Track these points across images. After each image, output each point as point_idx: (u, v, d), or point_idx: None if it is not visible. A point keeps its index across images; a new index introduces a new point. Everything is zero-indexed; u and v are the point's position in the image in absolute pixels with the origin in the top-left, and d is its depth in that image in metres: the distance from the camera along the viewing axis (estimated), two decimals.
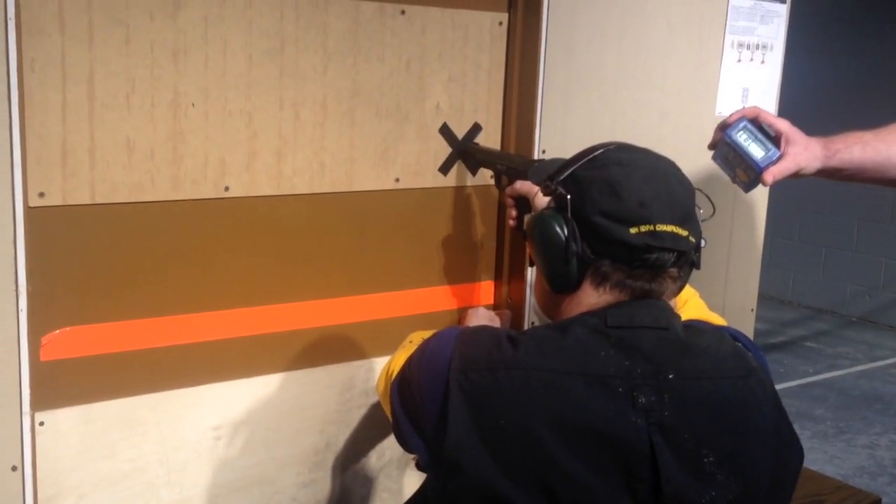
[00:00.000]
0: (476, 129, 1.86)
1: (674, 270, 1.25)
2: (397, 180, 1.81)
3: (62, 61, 1.43)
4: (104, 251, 1.53)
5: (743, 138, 1.59)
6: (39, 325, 1.48)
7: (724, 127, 1.61)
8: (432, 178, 1.85)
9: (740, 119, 1.60)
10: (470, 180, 1.89)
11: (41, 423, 1.50)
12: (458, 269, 1.92)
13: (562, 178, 1.28)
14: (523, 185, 1.55)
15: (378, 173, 1.78)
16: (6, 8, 1.36)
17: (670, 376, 1.20)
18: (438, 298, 1.91)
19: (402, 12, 1.74)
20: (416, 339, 1.45)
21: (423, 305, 1.89)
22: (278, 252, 1.70)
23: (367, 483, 1.90)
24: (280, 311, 1.73)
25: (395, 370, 1.38)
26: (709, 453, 1.19)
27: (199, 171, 1.58)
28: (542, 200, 1.33)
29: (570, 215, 1.24)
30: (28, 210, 1.44)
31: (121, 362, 1.57)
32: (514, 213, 1.61)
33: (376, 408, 1.86)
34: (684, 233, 1.23)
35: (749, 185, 1.61)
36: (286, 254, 1.71)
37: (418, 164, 1.83)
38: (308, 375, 1.78)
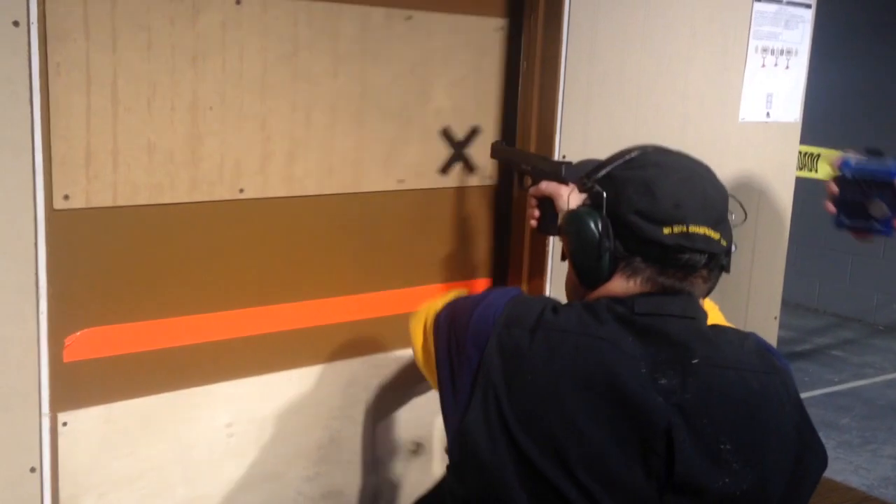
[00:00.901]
0: (476, 131, 1.91)
1: (704, 272, 1.28)
2: (401, 181, 1.85)
3: (87, 65, 1.44)
4: (124, 253, 1.55)
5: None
6: (62, 327, 1.50)
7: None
8: (434, 179, 1.89)
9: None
10: (470, 181, 1.94)
11: (64, 424, 1.51)
12: (458, 267, 1.97)
13: (599, 176, 1.31)
14: (549, 186, 1.56)
15: (383, 174, 1.82)
16: (28, 13, 1.37)
17: (695, 361, 1.23)
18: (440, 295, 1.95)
19: (409, 18, 1.78)
20: (430, 309, 1.46)
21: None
22: (288, 252, 1.73)
23: (370, 476, 1.94)
24: (289, 310, 1.76)
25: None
26: (726, 441, 1.22)
27: (215, 173, 1.61)
28: (576, 199, 1.36)
29: (605, 213, 1.28)
30: (53, 213, 1.45)
31: (141, 362, 1.59)
32: (536, 213, 1.62)
33: (379, 402, 1.90)
34: (716, 235, 1.26)
35: (893, 217, 1.49)
36: (295, 254, 1.74)
37: (421, 166, 1.87)
38: (314, 372, 1.81)
